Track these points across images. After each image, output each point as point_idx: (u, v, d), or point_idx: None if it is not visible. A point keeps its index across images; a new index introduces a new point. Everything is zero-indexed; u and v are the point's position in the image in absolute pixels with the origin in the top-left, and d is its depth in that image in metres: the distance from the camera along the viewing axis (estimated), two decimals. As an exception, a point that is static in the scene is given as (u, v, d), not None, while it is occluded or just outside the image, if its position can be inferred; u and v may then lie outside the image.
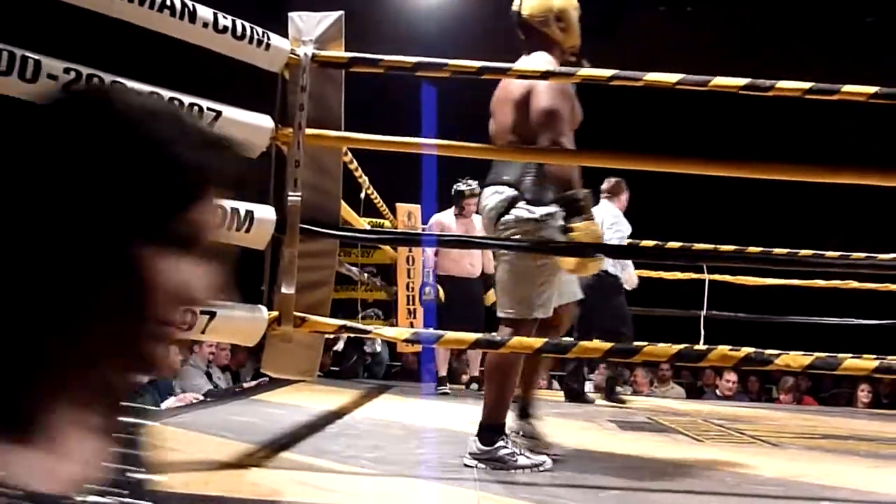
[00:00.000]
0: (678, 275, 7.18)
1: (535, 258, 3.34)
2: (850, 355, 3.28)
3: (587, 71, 3.25)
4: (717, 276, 6.98)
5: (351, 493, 2.86)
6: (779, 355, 2.99)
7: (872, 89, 3.23)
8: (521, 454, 3.38)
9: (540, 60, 3.37)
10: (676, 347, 2.93)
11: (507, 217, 3.38)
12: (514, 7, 3.56)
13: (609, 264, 5.88)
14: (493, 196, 3.45)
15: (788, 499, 3.10)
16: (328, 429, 4.25)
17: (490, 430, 3.38)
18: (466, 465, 3.36)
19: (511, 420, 3.58)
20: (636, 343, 2.96)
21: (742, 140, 10.67)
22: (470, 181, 6.79)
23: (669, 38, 10.84)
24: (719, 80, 3.22)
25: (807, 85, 3.22)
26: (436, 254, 6.75)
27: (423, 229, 6.86)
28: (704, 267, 6.94)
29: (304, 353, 3.18)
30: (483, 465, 3.34)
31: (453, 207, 6.85)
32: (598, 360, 7.25)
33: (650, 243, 5.99)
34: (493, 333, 3.39)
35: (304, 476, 3.01)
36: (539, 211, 3.34)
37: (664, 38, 10.85)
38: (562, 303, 3.61)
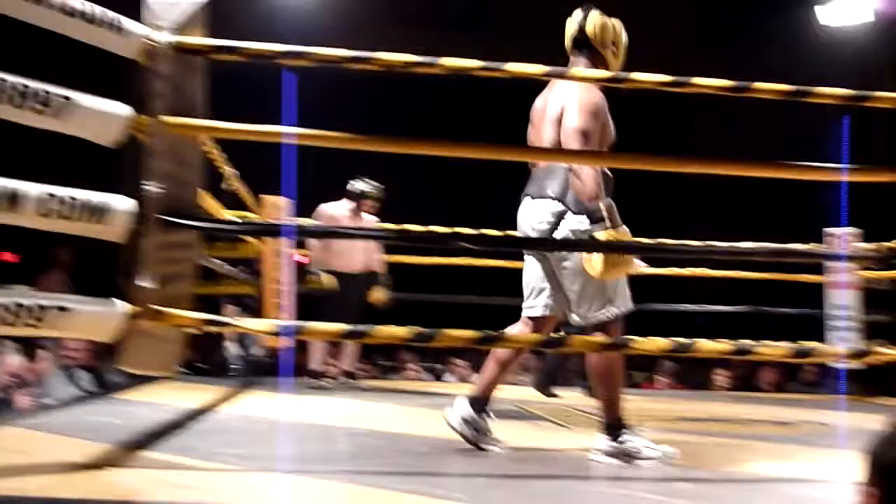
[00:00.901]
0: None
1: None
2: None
3: (454, 61, 3.24)
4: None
5: (213, 491, 2.79)
6: (638, 340, 3.05)
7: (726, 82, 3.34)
8: (646, 447, 3.43)
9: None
10: (537, 336, 2.96)
11: (561, 230, 3.48)
12: (577, 21, 3.63)
13: None
14: (539, 210, 3.54)
15: (647, 480, 3.18)
16: (192, 426, 4.14)
17: (614, 427, 3.47)
18: (594, 461, 3.43)
19: (467, 408, 3.68)
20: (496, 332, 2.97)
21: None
22: (373, 182, 6.73)
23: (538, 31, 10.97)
24: (579, 72, 3.27)
25: (666, 78, 3.29)
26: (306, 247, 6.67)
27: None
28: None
29: (163, 349, 3.08)
30: (614, 461, 3.40)
31: (346, 202, 6.75)
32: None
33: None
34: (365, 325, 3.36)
35: (164, 475, 2.92)
36: (587, 221, 3.40)
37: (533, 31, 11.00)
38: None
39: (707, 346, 3.18)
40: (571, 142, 3.42)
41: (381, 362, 9.57)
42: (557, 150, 3.54)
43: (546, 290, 3.63)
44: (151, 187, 2.95)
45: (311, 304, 6.74)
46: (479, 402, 3.67)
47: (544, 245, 3.52)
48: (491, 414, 3.70)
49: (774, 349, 3.22)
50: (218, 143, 5.28)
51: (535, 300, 3.68)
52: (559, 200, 3.50)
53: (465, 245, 3.18)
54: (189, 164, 3.26)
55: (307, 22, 9.98)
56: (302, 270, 6.87)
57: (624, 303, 3.53)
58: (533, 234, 3.58)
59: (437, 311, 6.62)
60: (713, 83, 3.37)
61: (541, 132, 3.61)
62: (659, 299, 8.13)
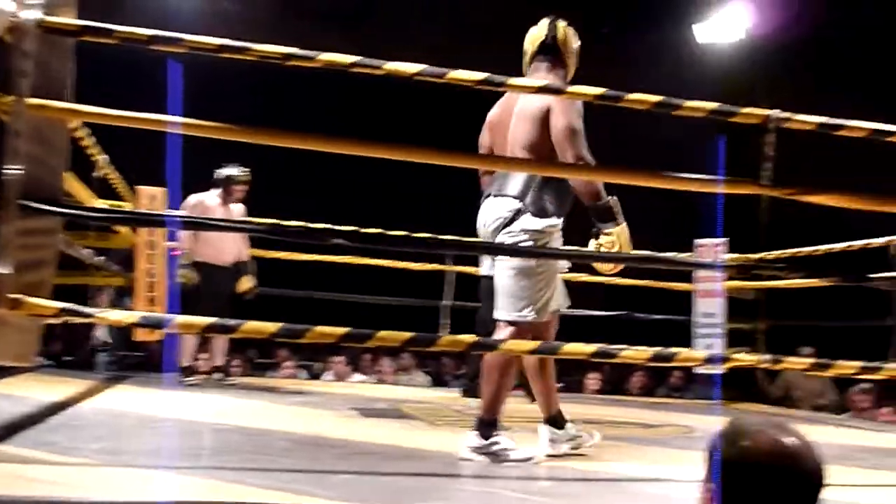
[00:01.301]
0: (424, 265, 7.33)
1: (537, 263, 3.56)
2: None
3: (331, 56, 3.23)
4: (459, 268, 7.18)
5: (69, 485, 2.70)
6: (504, 341, 3.10)
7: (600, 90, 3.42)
8: (513, 449, 3.51)
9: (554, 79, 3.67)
10: (407, 334, 2.97)
11: (512, 227, 3.57)
12: (547, 28, 3.80)
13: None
14: (497, 206, 3.62)
15: (509, 479, 3.23)
16: (51, 420, 4.00)
17: (487, 426, 3.54)
18: (463, 458, 3.48)
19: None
20: (369, 329, 2.97)
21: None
22: (242, 167, 6.60)
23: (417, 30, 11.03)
24: (458, 74, 3.30)
25: (538, 83, 3.34)
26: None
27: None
28: (449, 258, 7.13)
29: (19, 338, 2.98)
30: (480, 458, 3.47)
31: (217, 190, 6.62)
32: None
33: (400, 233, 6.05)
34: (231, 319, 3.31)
35: (18, 469, 2.82)
36: (543, 222, 3.55)
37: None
38: (552, 310, 3.70)
39: (573, 348, 3.24)
40: (564, 139, 3.52)
41: (257, 359, 9.46)
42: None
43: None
44: (11, 169, 2.85)
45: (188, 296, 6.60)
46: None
47: (423, 245, 3.54)
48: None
49: (637, 353, 3.32)
50: (100, 131, 5.15)
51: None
52: (518, 199, 3.59)
53: (340, 242, 3.16)
54: (54, 148, 3.15)
55: (202, 16, 9.79)
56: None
57: (542, 314, 3.62)
58: (486, 231, 3.66)
59: (315, 308, 6.59)
60: (587, 91, 3.44)
61: (514, 132, 3.67)
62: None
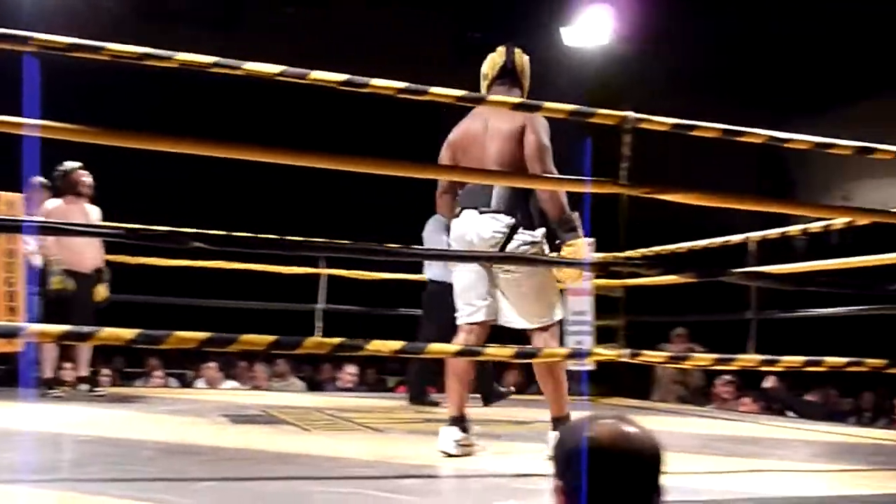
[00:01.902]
0: (297, 269, 7.27)
1: (549, 271, 3.83)
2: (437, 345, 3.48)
3: (188, 56, 3.17)
4: (333, 271, 7.16)
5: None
6: (369, 342, 3.10)
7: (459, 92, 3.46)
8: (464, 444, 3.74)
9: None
10: (271, 338, 2.95)
11: (514, 243, 3.77)
12: (507, 55, 4.03)
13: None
14: (491, 223, 3.79)
15: (377, 479, 3.24)
16: None
17: (462, 420, 3.81)
18: (446, 453, 3.69)
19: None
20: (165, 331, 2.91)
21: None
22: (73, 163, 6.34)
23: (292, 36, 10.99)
24: (319, 74, 3.29)
25: (400, 84, 3.37)
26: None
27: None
28: (322, 262, 7.09)
29: None
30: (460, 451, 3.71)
31: (66, 194, 6.32)
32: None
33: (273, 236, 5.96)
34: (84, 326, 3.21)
35: None
36: (538, 232, 3.82)
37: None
38: None
39: (439, 348, 3.27)
40: (535, 156, 3.78)
41: (125, 368, 9.21)
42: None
43: (488, 297, 3.84)
44: None
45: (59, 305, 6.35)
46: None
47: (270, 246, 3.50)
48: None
49: (501, 350, 3.37)
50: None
51: (477, 306, 3.84)
52: (510, 215, 3.78)
53: (200, 245, 3.11)
54: None
55: (65, 17, 9.47)
56: (44, 271, 6.45)
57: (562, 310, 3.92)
58: (484, 246, 3.78)
59: (191, 315, 6.44)
60: (451, 93, 3.48)
61: (490, 150, 3.86)
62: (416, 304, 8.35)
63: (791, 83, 12.91)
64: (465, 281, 3.87)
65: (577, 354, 3.85)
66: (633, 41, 9.79)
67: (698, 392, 8.03)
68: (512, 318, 3.82)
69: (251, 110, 11.08)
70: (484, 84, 4.01)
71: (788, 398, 7.41)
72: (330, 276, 7.28)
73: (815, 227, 5.68)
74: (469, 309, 3.84)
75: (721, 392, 7.43)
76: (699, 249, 6.80)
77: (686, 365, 3.99)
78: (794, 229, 6.07)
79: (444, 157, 4.00)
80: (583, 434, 1.55)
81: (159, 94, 10.46)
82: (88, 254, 6.28)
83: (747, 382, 7.73)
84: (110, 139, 3.08)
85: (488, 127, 3.88)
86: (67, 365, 6.53)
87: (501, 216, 3.78)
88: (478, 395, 6.40)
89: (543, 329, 3.79)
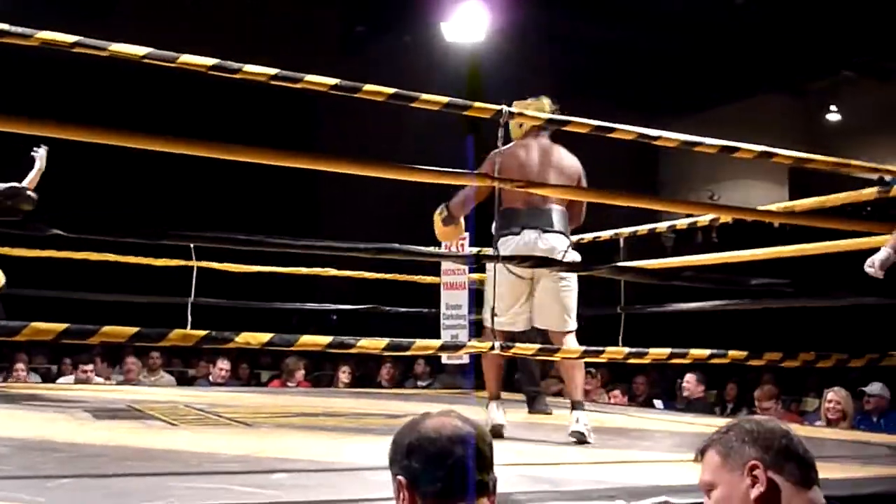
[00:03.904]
0: (168, 261, 7.05)
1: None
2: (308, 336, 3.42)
3: (49, 34, 3.03)
4: (204, 263, 6.96)
5: None
6: (239, 333, 3.03)
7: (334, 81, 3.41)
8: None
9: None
10: (133, 329, 2.84)
11: (568, 256, 4.38)
12: (550, 107, 4.45)
13: None
14: (558, 240, 4.41)
15: (245, 473, 3.16)
16: None
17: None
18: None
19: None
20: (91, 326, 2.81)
21: (211, 123, 10.87)
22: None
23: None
24: (188, 58, 3.19)
25: (272, 71, 3.30)
26: None
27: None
28: (193, 253, 6.88)
29: None
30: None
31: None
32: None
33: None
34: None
35: None
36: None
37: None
38: None
39: (308, 340, 3.21)
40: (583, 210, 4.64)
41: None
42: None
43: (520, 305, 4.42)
44: None
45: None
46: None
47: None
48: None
49: (373, 343, 3.34)
50: None
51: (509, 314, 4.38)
52: (566, 236, 4.48)
53: (59, 233, 2.97)
54: None
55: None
56: None
57: None
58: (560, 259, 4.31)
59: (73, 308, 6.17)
60: (325, 81, 3.43)
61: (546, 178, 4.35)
62: (292, 298, 8.25)
63: (665, 85, 13.30)
64: (501, 289, 4.27)
65: (450, 347, 3.82)
66: (510, 38, 9.89)
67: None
68: (549, 322, 4.44)
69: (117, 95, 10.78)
70: (520, 129, 4.45)
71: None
72: (202, 269, 7.07)
73: (681, 223, 5.85)
74: (507, 317, 4.37)
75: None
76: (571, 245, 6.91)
77: (555, 357, 4.02)
78: (662, 226, 6.23)
79: (509, 170, 4.25)
80: (416, 429, 1.75)
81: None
82: None
83: (617, 376, 7.92)
84: None
85: (554, 163, 4.47)
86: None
87: (563, 237, 4.45)
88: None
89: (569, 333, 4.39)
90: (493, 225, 4.23)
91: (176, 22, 10.87)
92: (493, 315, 4.18)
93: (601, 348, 3.90)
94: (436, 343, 3.79)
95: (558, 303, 4.37)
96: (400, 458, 1.73)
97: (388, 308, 7.81)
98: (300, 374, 8.34)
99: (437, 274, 7.45)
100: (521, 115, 3.69)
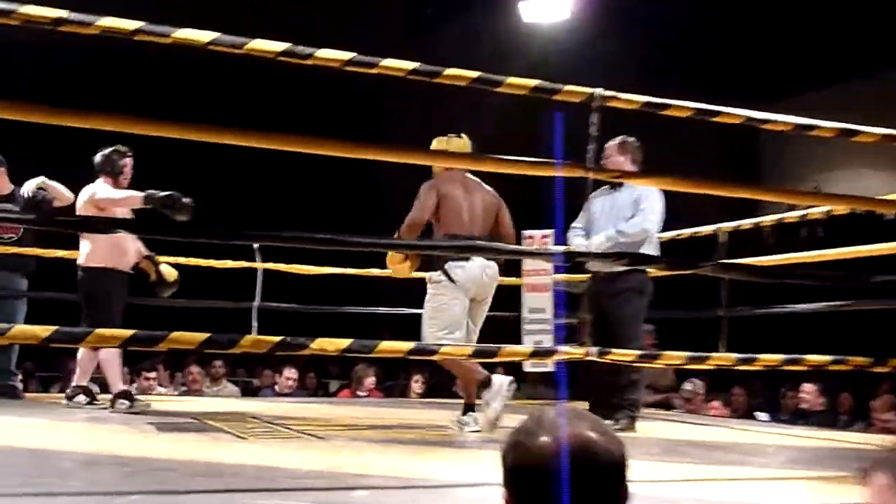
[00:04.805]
0: (230, 263, 7.12)
1: None
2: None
3: (111, 22, 3.06)
4: (271, 265, 7.01)
5: None
6: (313, 340, 3.02)
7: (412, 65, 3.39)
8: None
9: None
10: (203, 335, 2.85)
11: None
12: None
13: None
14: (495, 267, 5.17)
15: (323, 490, 3.16)
16: None
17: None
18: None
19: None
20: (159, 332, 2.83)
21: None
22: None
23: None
24: (257, 44, 3.19)
25: (347, 55, 3.29)
26: None
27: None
28: (258, 254, 6.93)
29: None
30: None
31: (108, 178, 5.84)
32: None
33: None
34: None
35: None
36: None
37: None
38: None
39: (388, 346, 3.20)
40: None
41: (38, 372, 8.99)
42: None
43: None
44: None
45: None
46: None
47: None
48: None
49: (457, 349, 3.30)
50: None
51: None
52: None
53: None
54: None
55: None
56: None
57: None
58: (493, 284, 5.16)
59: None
60: (402, 65, 3.41)
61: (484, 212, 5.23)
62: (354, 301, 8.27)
63: (760, 68, 13.00)
64: (455, 309, 4.96)
65: (541, 353, 3.77)
66: (594, 17, 9.79)
67: (670, 396, 8.02)
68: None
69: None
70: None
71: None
72: (267, 271, 7.12)
73: (791, 216, 5.70)
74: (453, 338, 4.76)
75: (687, 395, 7.45)
76: (665, 241, 6.77)
77: (657, 364, 3.94)
78: (768, 219, 6.08)
79: (458, 199, 5.13)
80: (533, 441, 1.47)
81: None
82: (133, 250, 5.92)
83: (716, 385, 7.78)
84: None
85: (480, 196, 5.22)
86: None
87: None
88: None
89: None
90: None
91: (231, 4, 10.97)
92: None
93: (706, 354, 3.81)
94: (525, 349, 3.74)
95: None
96: (510, 476, 1.50)
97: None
98: (370, 381, 8.37)
99: (518, 274, 7.40)
100: (614, 98, 3.61)
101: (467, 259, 5.01)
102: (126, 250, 5.83)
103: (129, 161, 5.92)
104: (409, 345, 3.29)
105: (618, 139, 5.17)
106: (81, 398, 5.92)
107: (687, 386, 7.56)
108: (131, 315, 5.86)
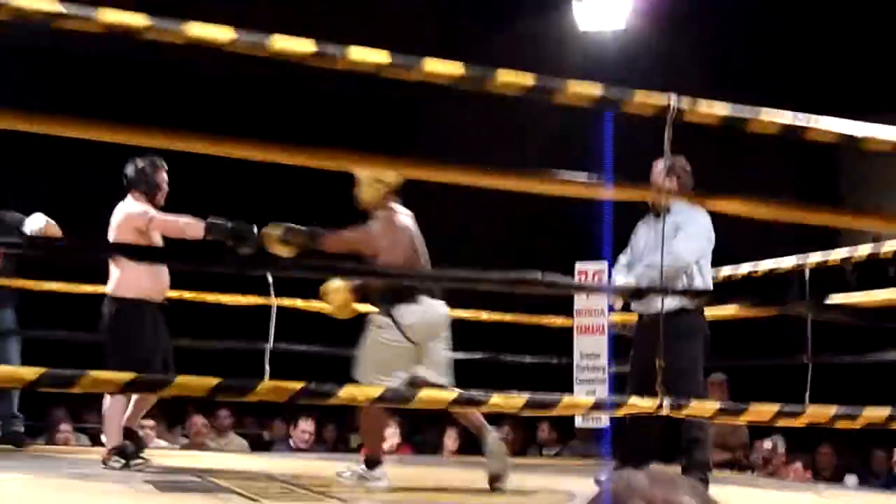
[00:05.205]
0: (241, 298, 7.04)
1: None
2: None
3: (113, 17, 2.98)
4: (287, 301, 6.90)
5: None
6: (342, 387, 2.91)
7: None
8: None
9: None
10: (213, 380, 2.74)
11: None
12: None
13: None
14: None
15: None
16: None
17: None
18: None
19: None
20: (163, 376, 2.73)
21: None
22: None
23: None
24: (285, 43, 3.11)
25: (386, 58, 3.20)
26: None
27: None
28: (272, 288, 6.81)
29: None
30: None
31: (142, 196, 5.72)
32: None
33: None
34: None
35: None
36: None
37: None
38: None
39: (430, 396, 3.08)
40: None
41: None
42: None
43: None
44: None
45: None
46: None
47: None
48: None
49: (508, 400, 3.18)
50: None
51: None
52: None
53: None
54: None
55: None
56: None
57: None
58: (446, 326, 5.34)
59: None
60: (446, 70, 3.31)
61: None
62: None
63: (836, 78, 12.85)
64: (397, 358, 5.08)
65: (601, 406, 3.64)
66: (655, 23, 9.72)
67: (740, 455, 7.84)
68: (438, 378, 5.08)
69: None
70: (381, 189, 5.28)
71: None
72: (281, 307, 7.00)
73: (889, 249, 5.52)
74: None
75: (766, 455, 7.28)
76: (728, 278, 6.58)
77: (741, 420, 3.79)
78: (860, 252, 5.88)
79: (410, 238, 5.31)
80: None
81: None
82: (166, 278, 5.84)
83: (797, 444, 7.59)
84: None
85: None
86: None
87: None
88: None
89: None
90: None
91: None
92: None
93: (797, 407, 3.65)
94: (586, 401, 3.61)
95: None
96: None
97: (509, 357, 7.65)
98: (391, 433, 8.22)
99: (570, 314, 7.28)
100: (694, 110, 3.49)
101: (416, 302, 5.11)
102: (163, 278, 5.72)
103: (164, 175, 5.82)
104: (452, 394, 3.16)
105: (663, 160, 4.79)
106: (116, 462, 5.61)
107: (766, 444, 7.38)
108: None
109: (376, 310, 5.30)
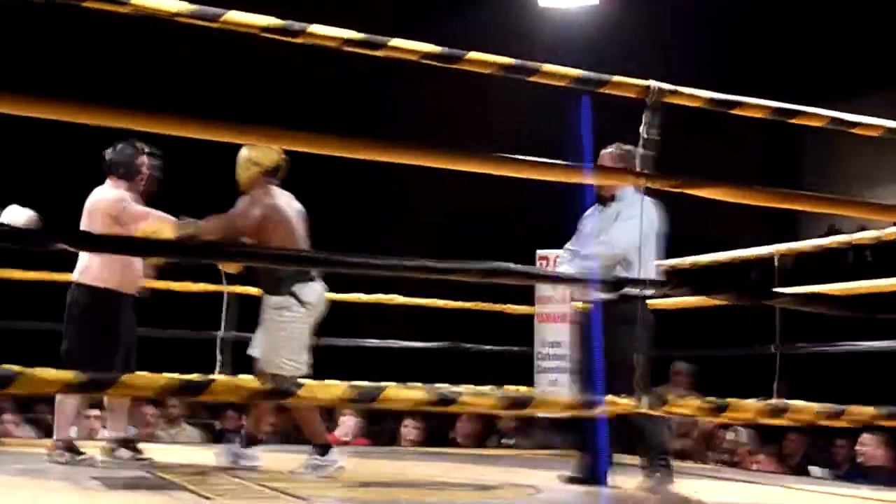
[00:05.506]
0: (192, 285, 6.85)
1: None
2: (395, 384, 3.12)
3: None
4: (240, 288, 6.69)
5: None
6: (302, 385, 2.72)
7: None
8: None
9: None
10: (168, 377, 2.55)
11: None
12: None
13: None
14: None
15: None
16: None
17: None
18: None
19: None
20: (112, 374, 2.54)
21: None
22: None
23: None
24: (234, 16, 2.92)
25: (348, 33, 3.02)
26: None
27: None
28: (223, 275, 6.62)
29: None
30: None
31: (121, 181, 5.56)
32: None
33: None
34: None
35: None
36: None
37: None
38: None
39: (398, 394, 2.89)
40: None
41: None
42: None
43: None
44: None
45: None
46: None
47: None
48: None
49: (482, 398, 3.01)
50: None
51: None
52: None
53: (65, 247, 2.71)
54: None
55: None
56: None
57: None
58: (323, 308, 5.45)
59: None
60: (415, 47, 3.14)
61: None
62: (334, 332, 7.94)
63: (802, 65, 12.86)
64: (303, 333, 5.29)
65: (585, 404, 3.47)
66: (615, 5, 9.62)
67: (702, 445, 7.75)
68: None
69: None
70: (255, 170, 5.36)
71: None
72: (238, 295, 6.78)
73: (864, 237, 5.43)
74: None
75: (731, 447, 7.21)
76: (696, 266, 6.49)
77: (725, 418, 3.66)
78: (835, 240, 5.80)
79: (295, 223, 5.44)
80: None
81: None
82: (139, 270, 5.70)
83: (763, 437, 7.53)
84: None
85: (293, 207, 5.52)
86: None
87: None
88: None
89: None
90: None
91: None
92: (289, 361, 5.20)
93: (783, 403, 3.52)
94: (564, 400, 3.45)
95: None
96: None
97: (469, 346, 7.53)
98: (350, 423, 8.07)
99: (530, 302, 7.17)
100: (677, 93, 3.34)
101: (311, 279, 5.27)
102: (136, 268, 5.58)
103: (146, 160, 5.62)
104: (421, 393, 2.98)
105: (612, 147, 4.68)
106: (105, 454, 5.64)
107: (729, 436, 7.29)
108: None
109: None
